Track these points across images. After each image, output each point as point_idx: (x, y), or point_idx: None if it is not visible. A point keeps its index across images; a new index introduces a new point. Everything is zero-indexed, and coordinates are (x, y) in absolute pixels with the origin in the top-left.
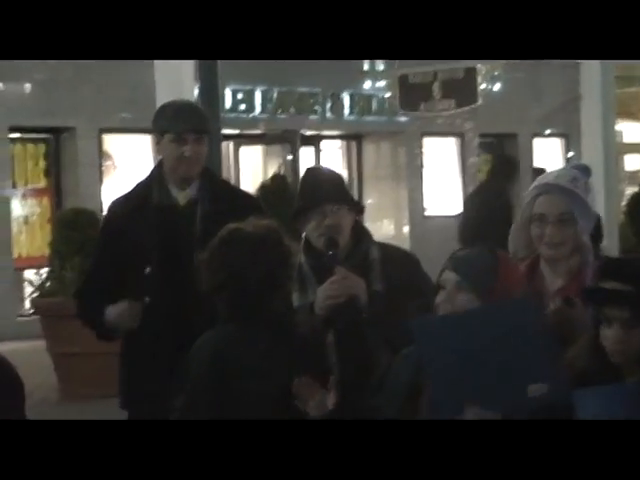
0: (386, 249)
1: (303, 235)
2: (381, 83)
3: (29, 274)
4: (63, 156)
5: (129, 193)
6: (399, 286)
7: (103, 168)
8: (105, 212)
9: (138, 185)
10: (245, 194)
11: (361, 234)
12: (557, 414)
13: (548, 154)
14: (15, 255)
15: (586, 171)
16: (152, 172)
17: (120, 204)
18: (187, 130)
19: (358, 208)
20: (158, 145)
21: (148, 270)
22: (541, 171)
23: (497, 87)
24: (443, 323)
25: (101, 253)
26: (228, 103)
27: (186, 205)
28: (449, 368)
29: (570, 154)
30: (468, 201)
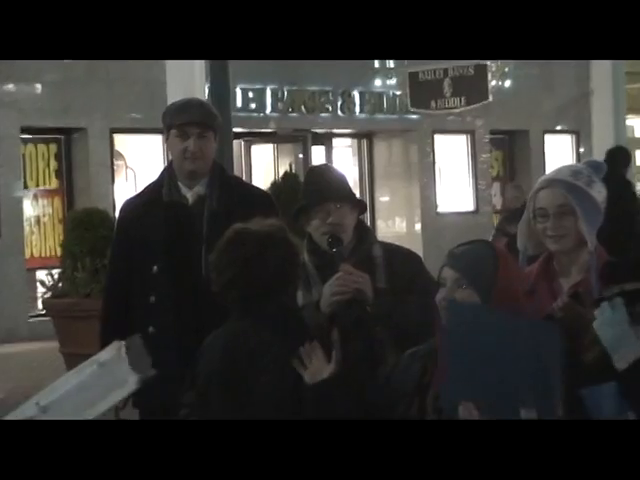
0: (389, 247)
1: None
2: (392, 81)
3: (41, 275)
4: (74, 156)
5: (141, 192)
6: (402, 284)
7: (114, 168)
8: (118, 212)
9: (150, 184)
10: (257, 190)
11: (364, 232)
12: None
13: (559, 150)
14: (27, 256)
15: (598, 167)
16: (163, 171)
17: (132, 203)
18: (189, 123)
19: (361, 206)
20: (167, 142)
21: (155, 269)
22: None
23: (508, 84)
24: (475, 313)
25: (116, 255)
26: (239, 102)
27: (195, 203)
28: (466, 359)
29: (581, 150)
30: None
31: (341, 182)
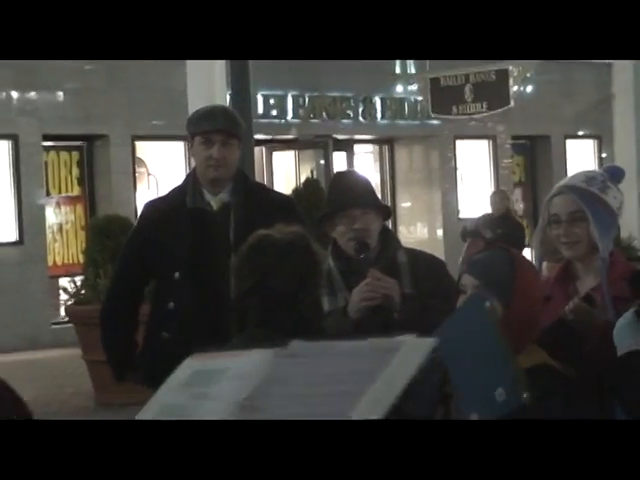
0: (413, 253)
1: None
2: (413, 87)
3: (63, 282)
4: (96, 164)
5: (165, 197)
6: (427, 289)
7: (136, 175)
8: (139, 215)
9: (174, 189)
10: (280, 196)
11: (388, 238)
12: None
13: (581, 156)
14: (49, 263)
15: (615, 172)
16: (187, 177)
17: (154, 207)
18: (213, 131)
19: (386, 212)
20: (191, 149)
21: (177, 275)
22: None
23: (529, 89)
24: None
25: (128, 255)
26: (260, 109)
27: (219, 209)
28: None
29: (603, 155)
30: None
31: (366, 188)
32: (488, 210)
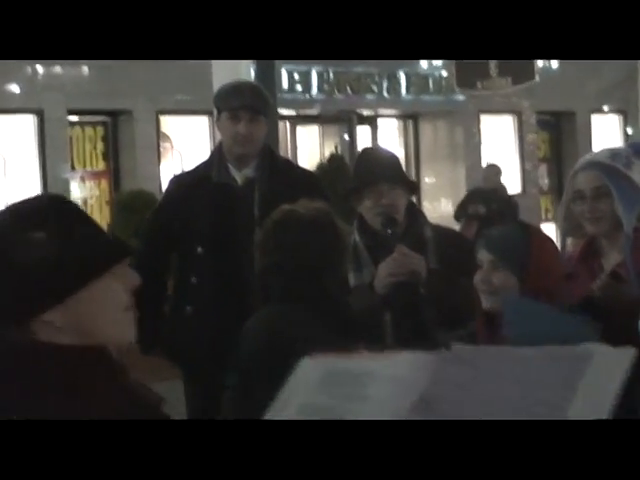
0: (439, 229)
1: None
2: (437, 62)
3: None
4: (121, 138)
5: (191, 171)
6: (453, 265)
7: (161, 150)
8: (165, 188)
9: (200, 164)
10: (305, 172)
11: (415, 214)
12: None
13: (607, 131)
14: None
15: None
16: (213, 152)
17: (180, 181)
18: (240, 107)
19: (413, 188)
20: (218, 123)
21: (200, 250)
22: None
23: (554, 64)
24: (531, 310)
25: (153, 228)
26: (284, 84)
27: (244, 184)
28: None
29: (629, 131)
30: None
31: (394, 163)
32: (510, 187)
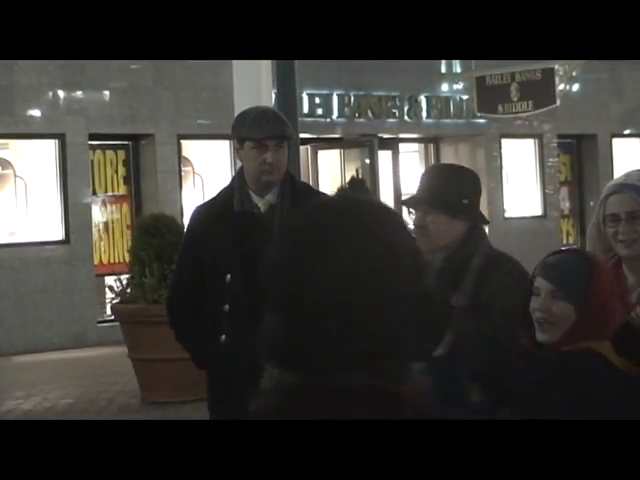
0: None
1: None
2: (458, 86)
3: (109, 280)
4: (142, 163)
5: (212, 200)
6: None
7: (182, 174)
8: (188, 220)
9: (221, 192)
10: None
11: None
12: None
13: (628, 154)
14: (96, 262)
15: None
16: (233, 179)
17: (203, 212)
18: (268, 137)
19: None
20: (239, 152)
21: (229, 278)
22: None
23: (575, 87)
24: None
25: (185, 261)
26: (305, 108)
27: (267, 211)
28: None
29: None
30: None
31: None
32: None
